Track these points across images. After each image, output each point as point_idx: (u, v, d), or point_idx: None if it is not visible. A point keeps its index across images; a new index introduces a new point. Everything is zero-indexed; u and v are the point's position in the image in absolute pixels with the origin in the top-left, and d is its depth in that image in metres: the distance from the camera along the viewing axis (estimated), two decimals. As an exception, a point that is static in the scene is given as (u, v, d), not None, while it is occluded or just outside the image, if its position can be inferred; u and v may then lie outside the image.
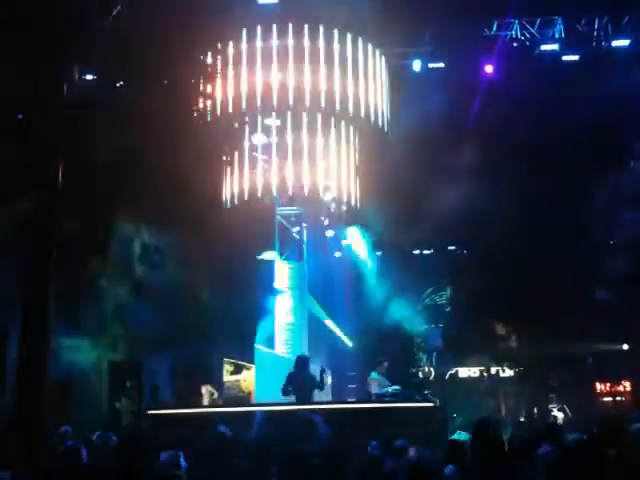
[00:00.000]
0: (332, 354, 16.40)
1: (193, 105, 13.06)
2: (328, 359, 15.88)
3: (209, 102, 13.81)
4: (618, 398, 20.15)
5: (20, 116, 12.49)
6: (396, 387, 11.17)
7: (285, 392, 10.66)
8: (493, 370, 19.43)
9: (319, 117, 14.31)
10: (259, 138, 14.35)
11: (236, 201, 14.68)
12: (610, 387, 20.45)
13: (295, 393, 10.58)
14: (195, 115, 13.54)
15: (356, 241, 17.28)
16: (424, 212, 16.36)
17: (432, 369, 18.52)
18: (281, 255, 15.72)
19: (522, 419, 17.09)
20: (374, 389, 11.74)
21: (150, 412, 10.89)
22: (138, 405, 13.01)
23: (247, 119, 14.45)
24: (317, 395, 11.26)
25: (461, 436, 8.63)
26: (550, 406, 17.86)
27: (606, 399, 20.24)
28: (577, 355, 18.85)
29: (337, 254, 17.84)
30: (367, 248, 17.66)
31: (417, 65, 15.92)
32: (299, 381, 10.59)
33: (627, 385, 20.13)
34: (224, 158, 14.66)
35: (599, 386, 20.43)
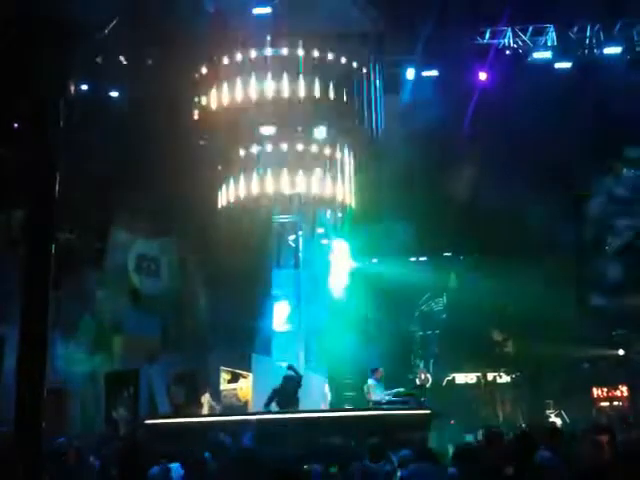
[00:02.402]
0: (329, 360, 16.41)
1: (189, 116, 13.12)
2: (325, 366, 15.88)
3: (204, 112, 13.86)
4: (615, 403, 20.14)
5: (16, 125, 12.58)
6: (393, 392, 11.23)
7: (267, 406, 10.86)
8: (490, 376, 19.44)
9: (313, 126, 14.37)
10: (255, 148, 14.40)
11: (232, 210, 14.71)
12: (607, 392, 20.44)
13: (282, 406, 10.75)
14: (191, 126, 13.61)
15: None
16: (420, 219, 16.44)
17: (429, 375, 18.51)
18: (277, 263, 15.74)
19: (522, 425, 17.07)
20: (372, 396, 11.77)
21: (147, 421, 10.91)
22: (135, 414, 13.01)
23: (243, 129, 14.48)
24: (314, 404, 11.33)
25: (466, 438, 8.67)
26: (547, 412, 17.85)
27: (603, 404, 20.23)
28: (574, 360, 18.87)
29: (333, 260, 17.86)
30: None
31: (411, 73, 16.02)
32: (285, 395, 10.76)
33: (624, 390, 20.13)
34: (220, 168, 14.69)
35: (596, 391, 20.43)
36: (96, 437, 11.06)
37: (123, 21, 11.30)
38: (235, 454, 6.76)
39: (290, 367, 11.59)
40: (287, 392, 10.89)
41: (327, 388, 14.00)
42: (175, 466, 6.80)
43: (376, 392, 11.76)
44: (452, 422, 14.18)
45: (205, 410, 12.47)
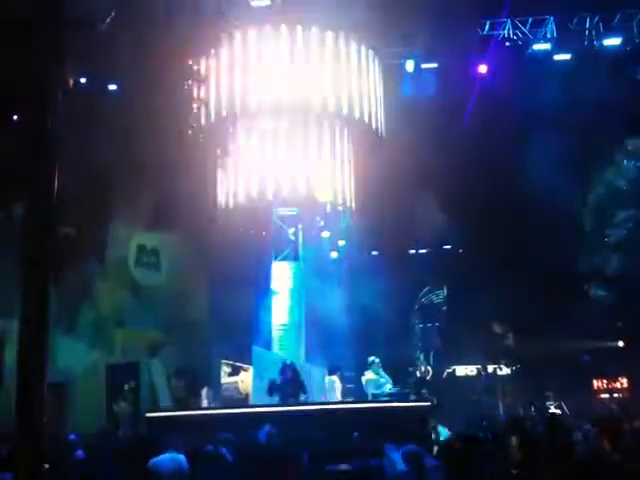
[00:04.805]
0: (330, 353, 16.44)
1: (187, 110, 13.09)
2: (326, 358, 15.91)
3: (202, 107, 13.85)
4: (615, 395, 20.21)
5: (15, 116, 12.54)
6: (389, 384, 11.26)
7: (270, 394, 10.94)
8: (490, 368, 19.48)
9: (313, 118, 14.35)
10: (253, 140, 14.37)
11: (231, 203, 14.71)
12: (607, 384, 20.51)
13: (281, 398, 10.80)
14: (189, 119, 13.58)
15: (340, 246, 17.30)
16: (419, 212, 16.44)
17: (429, 368, 18.53)
18: (277, 256, 15.74)
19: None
20: (370, 389, 11.81)
21: (148, 415, 10.94)
22: (136, 408, 13.04)
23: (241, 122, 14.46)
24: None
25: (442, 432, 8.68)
26: (547, 403, 17.90)
27: (603, 396, 20.30)
28: (574, 352, 18.91)
29: (333, 254, 17.91)
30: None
31: (410, 65, 15.98)
32: (284, 387, 10.78)
33: (624, 382, 20.19)
34: (218, 161, 14.68)
35: (596, 383, 20.49)
36: (97, 431, 11.09)
37: (122, 14, 11.25)
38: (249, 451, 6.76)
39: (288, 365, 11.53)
40: (289, 386, 10.90)
41: (327, 380, 14.01)
42: (182, 457, 6.81)
43: (375, 384, 11.80)
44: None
45: (204, 404, 12.51)
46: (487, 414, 13.61)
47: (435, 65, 16.08)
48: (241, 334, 14.84)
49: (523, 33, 15.79)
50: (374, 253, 19.21)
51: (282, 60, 14.04)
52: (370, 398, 11.66)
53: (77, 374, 13.41)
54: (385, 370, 12.37)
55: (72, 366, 13.16)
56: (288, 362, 11.38)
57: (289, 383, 10.90)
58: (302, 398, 10.99)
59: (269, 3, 14.01)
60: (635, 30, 15.54)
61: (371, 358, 12.33)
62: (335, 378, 12.42)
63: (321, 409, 10.72)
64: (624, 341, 19.34)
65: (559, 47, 15.74)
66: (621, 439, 5.33)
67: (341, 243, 17.63)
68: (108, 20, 10.44)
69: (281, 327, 15.11)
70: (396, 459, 5.84)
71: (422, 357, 18.78)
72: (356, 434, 6.98)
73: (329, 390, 12.49)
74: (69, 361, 12.95)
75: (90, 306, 14.23)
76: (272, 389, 11.04)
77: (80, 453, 7.60)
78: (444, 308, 20.11)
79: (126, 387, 13.57)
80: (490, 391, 18.67)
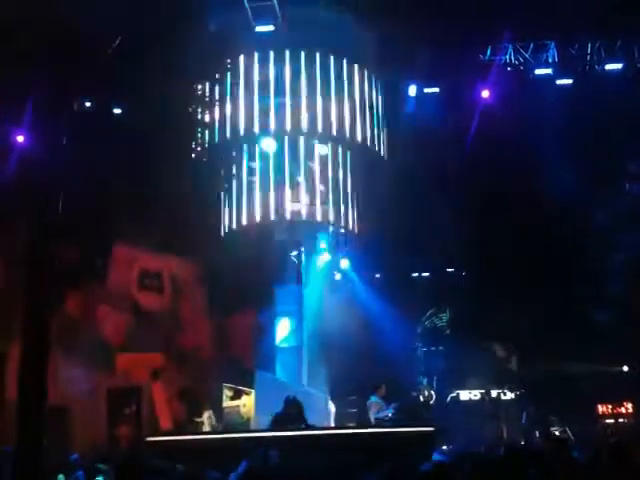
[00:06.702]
0: (331, 377, 16.34)
1: (192, 133, 13.22)
2: (328, 383, 15.82)
3: (207, 130, 13.97)
4: (620, 420, 20.03)
5: (20, 138, 12.65)
6: (391, 408, 11.15)
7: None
8: (494, 393, 19.33)
9: (316, 142, 14.45)
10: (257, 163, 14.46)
11: (234, 226, 14.75)
12: (612, 409, 20.33)
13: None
14: (193, 142, 13.70)
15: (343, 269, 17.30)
16: (422, 235, 16.45)
17: (433, 392, 18.42)
18: (280, 279, 15.74)
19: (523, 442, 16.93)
20: (374, 413, 11.70)
21: (149, 439, 10.83)
22: (137, 431, 12.95)
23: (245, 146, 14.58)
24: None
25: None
26: (552, 429, 17.74)
27: (608, 421, 20.11)
28: (578, 377, 18.78)
29: (336, 277, 17.91)
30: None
31: (412, 90, 16.09)
32: (286, 421, 10.62)
33: (629, 406, 20.02)
34: (222, 184, 14.76)
35: (601, 408, 20.30)
36: (98, 454, 10.99)
37: (128, 39, 11.39)
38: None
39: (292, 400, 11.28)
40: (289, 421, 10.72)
41: (331, 405, 13.93)
42: None
43: (379, 409, 11.69)
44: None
45: (206, 428, 12.42)
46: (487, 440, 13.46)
47: (437, 90, 16.18)
48: (243, 357, 14.78)
49: (525, 58, 15.89)
50: (377, 276, 19.18)
51: (286, 84, 14.16)
52: (373, 423, 11.54)
53: (78, 397, 13.31)
54: (388, 394, 12.27)
55: (73, 389, 13.07)
56: (291, 397, 11.15)
57: (292, 418, 10.71)
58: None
59: (273, 28, 14.18)
60: (636, 55, 15.63)
61: (375, 383, 12.23)
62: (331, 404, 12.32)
63: (320, 434, 10.60)
64: (628, 365, 19.23)
65: (561, 72, 15.82)
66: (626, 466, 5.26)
67: (344, 265, 17.62)
68: (114, 45, 10.57)
69: (284, 350, 15.06)
70: None
71: (425, 381, 18.69)
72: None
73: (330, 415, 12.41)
74: (70, 384, 12.87)
75: (92, 328, 14.17)
76: (275, 423, 10.84)
77: (80, 474, 7.57)
78: (447, 332, 20.04)
79: (127, 411, 13.48)
80: (494, 416, 18.51)
